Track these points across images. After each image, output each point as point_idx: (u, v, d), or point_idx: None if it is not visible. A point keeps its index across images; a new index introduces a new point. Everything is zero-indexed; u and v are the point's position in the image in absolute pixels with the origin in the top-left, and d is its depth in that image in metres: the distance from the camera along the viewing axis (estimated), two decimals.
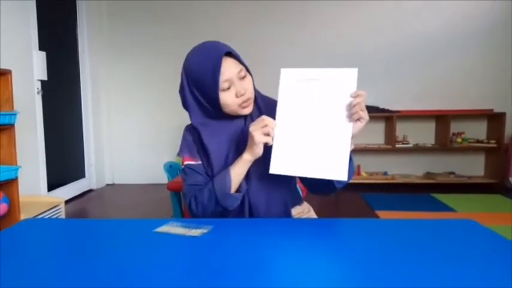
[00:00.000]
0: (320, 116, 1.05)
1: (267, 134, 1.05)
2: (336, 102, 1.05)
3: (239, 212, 1.17)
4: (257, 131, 1.05)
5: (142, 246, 0.90)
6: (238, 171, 1.12)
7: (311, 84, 1.07)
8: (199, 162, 1.20)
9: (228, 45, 1.15)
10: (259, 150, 1.08)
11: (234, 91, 1.12)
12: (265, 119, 1.06)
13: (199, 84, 1.13)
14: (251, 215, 1.17)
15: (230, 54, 1.13)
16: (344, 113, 1.04)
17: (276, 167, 1.06)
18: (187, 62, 1.16)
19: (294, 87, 1.07)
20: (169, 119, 4.59)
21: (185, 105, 1.20)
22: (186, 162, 1.21)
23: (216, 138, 1.18)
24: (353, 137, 1.04)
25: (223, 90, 1.11)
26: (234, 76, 1.12)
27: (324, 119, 1.05)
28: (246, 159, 1.11)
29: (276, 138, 1.07)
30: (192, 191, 1.17)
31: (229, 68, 1.11)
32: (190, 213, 1.17)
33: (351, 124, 1.04)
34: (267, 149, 1.10)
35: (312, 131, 1.05)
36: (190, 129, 1.23)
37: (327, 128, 1.05)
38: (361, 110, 1.02)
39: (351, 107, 1.03)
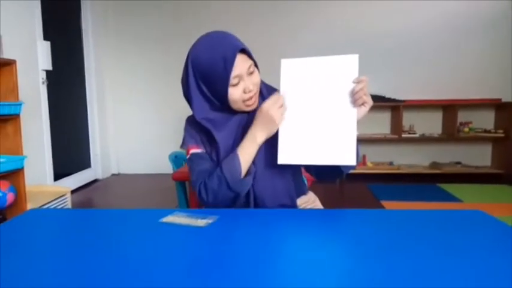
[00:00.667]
0: (324, 103, 1.06)
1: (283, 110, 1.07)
2: (338, 89, 1.05)
3: (244, 203, 1.17)
4: (276, 111, 1.06)
5: (148, 237, 0.89)
6: (248, 152, 1.11)
7: (312, 73, 1.07)
8: (204, 150, 1.19)
9: (238, 39, 1.13)
10: (275, 129, 1.08)
11: (243, 87, 1.11)
12: (281, 98, 1.07)
13: (207, 78, 1.11)
14: (256, 205, 1.16)
15: (242, 49, 1.12)
16: (348, 99, 1.05)
17: (284, 157, 1.07)
18: (195, 54, 1.12)
19: (295, 77, 1.08)
20: (174, 109, 4.58)
21: (187, 97, 1.17)
22: (192, 151, 1.18)
23: (221, 132, 1.16)
24: (357, 122, 1.05)
25: (233, 85, 1.10)
26: (244, 72, 1.10)
27: (328, 107, 1.06)
28: (259, 140, 1.10)
29: (281, 128, 1.07)
30: (201, 178, 1.14)
31: (240, 64, 1.09)
32: (201, 201, 1.15)
33: (355, 109, 1.05)
34: (271, 138, 1.09)
35: (317, 119, 1.06)
36: (192, 121, 1.21)
37: (332, 115, 1.06)
38: (365, 95, 1.03)
39: (354, 92, 1.03)
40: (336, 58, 1.06)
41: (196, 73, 1.12)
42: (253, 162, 1.14)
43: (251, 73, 1.12)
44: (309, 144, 1.06)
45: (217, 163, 1.17)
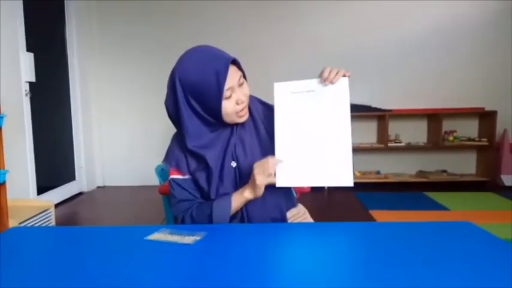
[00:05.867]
0: (318, 125, 1.09)
1: (269, 174, 1.07)
2: (331, 110, 1.08)
3: (234, 217, 1.15)
4: (260, 175, 1.06)
5: (134, 255, 0.87)
6: (236, 204, 1.12)
7: (305, 95, 1.10)
8: (186, 176, 1.17)
9: (226, 52, 1.12)
10: (260, 192, 1.09)
11: (235, 99, 1.10)
12: (270, 159, 1.07)
13: (198, 94, 1.08)
14: (247, 219, 1.15)
15: (232, 61, 1.11)
16: (340, 120, 1.08)
17: (282, 181, 1.08)
18: (182, 71, 1.08)
19: (288, 100, 1.10)
20: (159, 120, 4.53)
21: (175, 117, 1.13)
22: (172, 176, 1.18)
23: (211, 150, 1.14)
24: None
25: (226, 98, 1.08)
26: (235, 84, 1.10)
27: (323, 128, 1.08)
28: (247, 198, 1.11)
29: (277, 151, 1.09)
30: (184, 207, 1.16)
31: (232, 76, 1.08)
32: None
33: (349, 130, 1.07)
34: (261, 152, 1.08)
35: (313, 141, 1.08)
36: (178, 139, 1.18)
37: (327, 136, 1.08)
38: (336, 73, 1.07)
39: (325, 79, 1.07)
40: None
41: (186, 90, 1.08)
42: (241, 180, 1.15)
43: (241, 84, 1.12)
44: (306, 166, 1.08)
45: (207, 180, 1.15)
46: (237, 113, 1.12)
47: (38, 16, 3.71)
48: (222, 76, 1.05)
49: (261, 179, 1.06)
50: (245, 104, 1.13)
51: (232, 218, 1.15)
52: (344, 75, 1.08)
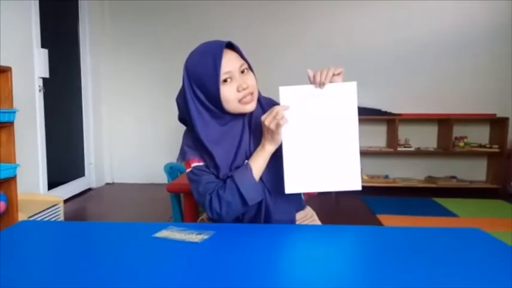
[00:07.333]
0: (325, 130, 1.07)
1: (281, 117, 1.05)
2: (338, 116, 1.07)
3: (254, 216, 1.15)
4: (273, 122, 1.04)
5: (141, 252, 0.87)
6: (259, 163, 1.11)
7: (312, 100, 1.08)
8: (206, 164, 1.15)
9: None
10: (280, 139, 1.07)
11: (235, 85, 1.08)
12: (276, 107, 1.05)
13: (200, 81, 1.08)
14: (266, 218, 1.14)
15: (232, 48, 1.11)
16: (348, 125, 1.07)
17: (291, 187, 1.07)
18: (188, 63, 1.12)
19: (295, 104, 1.07)
20: (169, 118, 4.52)
21: (185, 113, 1.13)
22: (194, 164, 1.15)
23: (221, 145, 1.13)
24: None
25: (224, 83, 1.07)
26: (235, 70, 1.08)
27: (330, 134, 1.07)
28: (269, 150, 1.09)
29: (285, 157, 1.07)
30: (211, 188, 1.12)
31: (230, 61, 1.08)
32: (210, 213, 1.11)
33: (356, 135, 1.06)
34: (273, 157, 1.09)
35: (320, 146, 1.07)
36: (191, 135, 1.17)
37: (334, 141, 1.07)
38: (327, 73, 1.05)
39: (319, 81, 1.05)
40: (335, 85, 1.07)
41: (191, 80, 1.10)
42: (261, 178, 1.13)
43: (244, 73, 1.11)
44: (314, 172, 1.07)
45: (216, 173, 1.14)
46: (239, 100, 1.09)
47: (53, 13, 3.75)
48: (218, 58, 1.05)
49: (276, 124, 1.03)
50: (248, 91, 1.09)
51: (252, 218, 1.15)
52: (338, 74, 1.06)
